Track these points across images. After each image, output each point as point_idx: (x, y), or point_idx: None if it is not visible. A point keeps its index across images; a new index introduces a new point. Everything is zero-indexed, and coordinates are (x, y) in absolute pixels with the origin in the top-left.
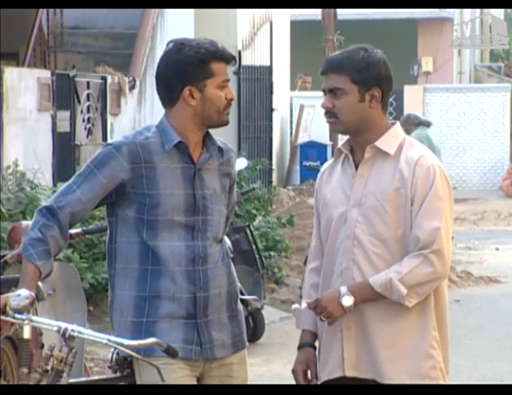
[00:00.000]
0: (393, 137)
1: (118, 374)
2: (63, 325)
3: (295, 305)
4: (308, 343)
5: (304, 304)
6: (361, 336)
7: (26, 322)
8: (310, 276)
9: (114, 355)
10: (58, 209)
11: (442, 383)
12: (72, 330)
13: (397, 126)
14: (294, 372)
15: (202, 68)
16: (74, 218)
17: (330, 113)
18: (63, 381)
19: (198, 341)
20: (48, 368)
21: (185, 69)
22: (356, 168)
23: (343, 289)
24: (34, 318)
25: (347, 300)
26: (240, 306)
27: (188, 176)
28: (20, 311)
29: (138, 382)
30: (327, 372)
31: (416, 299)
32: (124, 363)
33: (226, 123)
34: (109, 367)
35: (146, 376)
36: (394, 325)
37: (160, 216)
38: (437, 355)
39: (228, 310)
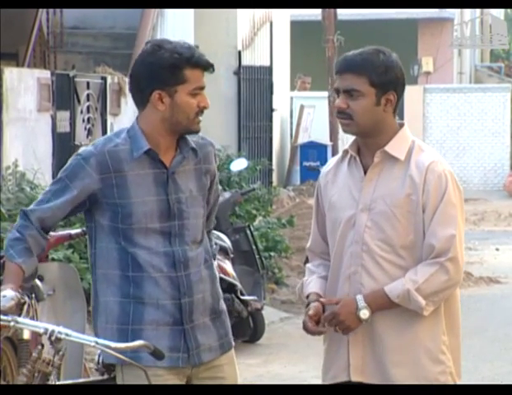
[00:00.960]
0: (402, 141)
1: (105, 377)
2: (50, 327)
3: (299, 283)
4: (315, 300)
5: (307, 277)
6: (368, 341)
7: (12, 323)
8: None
9: (101, 358)
10: (30, 212)
11: None
12: (59, 332)
13: (405, 128)
14: (304, 322)
15: (174, 74)
16: (44, 223)
17: (344, 114)
18: (50, 384)
19: (185, 347)
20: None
21: (156, 72)
22: (364, 170)
23: (360, 301)
24: (19, 319)
25: (365, 314)
26: (223, 306)
27: (161, 181)
28: (5, 312)
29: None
30: (330, 376)
31: (432, 307)
32: (111, 365)
33: (197, 132)
34: (96, 370)
35: (128, 383)
36: (403, 330)
37: (134, 224)
38: (447, 360)
39: (212, 312)
